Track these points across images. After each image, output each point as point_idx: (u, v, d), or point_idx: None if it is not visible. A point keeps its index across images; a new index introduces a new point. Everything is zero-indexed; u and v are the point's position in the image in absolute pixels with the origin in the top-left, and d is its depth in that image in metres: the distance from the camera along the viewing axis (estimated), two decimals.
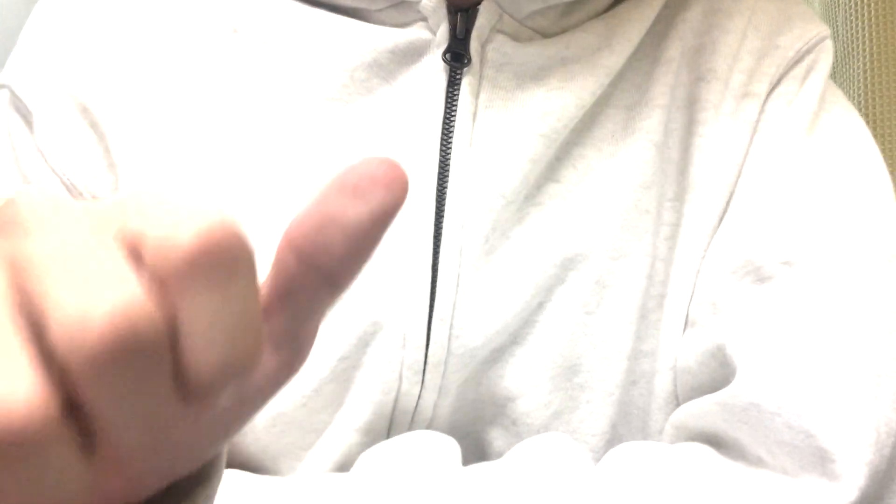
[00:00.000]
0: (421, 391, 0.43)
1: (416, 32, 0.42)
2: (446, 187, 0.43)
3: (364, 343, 0.43)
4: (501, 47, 0.43)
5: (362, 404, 0.43)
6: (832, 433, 0.36)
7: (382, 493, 0.38)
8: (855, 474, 0.36)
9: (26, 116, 0.44)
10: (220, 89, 0.43)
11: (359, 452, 0.44)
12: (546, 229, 0.44)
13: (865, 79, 0.76)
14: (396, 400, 0.44)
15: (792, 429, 0.37)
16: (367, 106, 0.43)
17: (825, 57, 0.47)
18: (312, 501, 0.38)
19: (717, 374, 0.42)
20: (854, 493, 0.36)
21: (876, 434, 0.37)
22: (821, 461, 0.36)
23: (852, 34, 0.76)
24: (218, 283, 0.17)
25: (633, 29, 0.44)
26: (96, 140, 0.43)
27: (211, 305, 0.17)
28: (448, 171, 0.43)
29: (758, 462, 0.39)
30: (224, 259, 0.17)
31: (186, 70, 0.43)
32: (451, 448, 0.42)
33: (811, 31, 0.47)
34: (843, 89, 0.61)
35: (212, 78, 0.43)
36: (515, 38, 0.43)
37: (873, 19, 0.74)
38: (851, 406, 0.37)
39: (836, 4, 0.78)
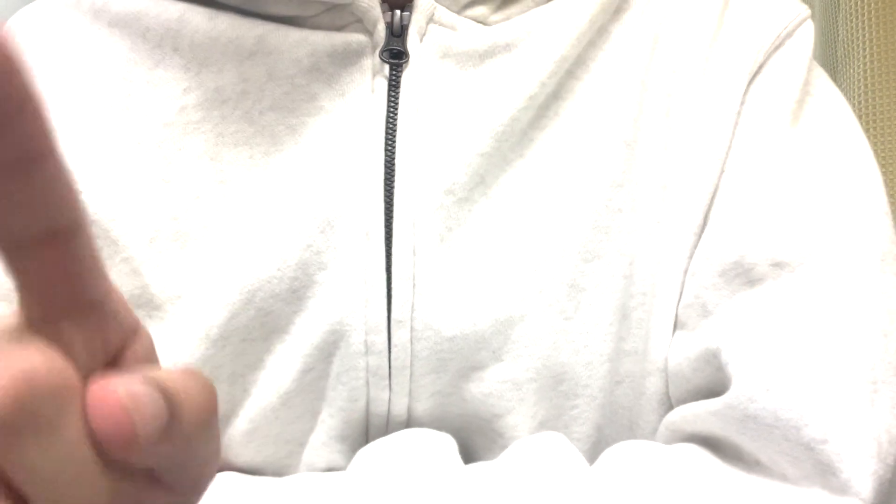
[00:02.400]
0: (390, 396, 0.43)
1: (353, 35, 0.42)
2: (393, 187, 0.42)
3: (327, 353, 0.42)
4: (440, 39, 0.42)
5: (334, 412, 0.43)
6: (832, 446, 0.36)
7: (380, 492, 0.37)
8: (860, 486, 0.35)
9: None
10: (168, 107, 0.43)
11: (341, 459, 0.44)
12: (509, 228, 0.42)
13: (865, 79, 0.75)
14: (367, 405, 0.43)
15: (790, 441, 0.37)
16: (310, 111, 0.42)
17: (806, 39, 0.45)
18: (310, 501, 0.38)
19: (713, 378, 0.42)
20: None
21: (877, 444, 0.36)
22: (822, 473, 0.36)
23: (852, 34, 0.75)
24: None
25: (582, 15, 0.43)
26: None
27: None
28: (395, 170, 0.42)
29: (756, 466, 0.39)
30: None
31: (134, 96, 0.43)
32: (449, 445, 0.42)
33: (791, 14, 0.46)
34: (842, 89, 0.60)
35: (159, 97, 0.43)
36: (453, 29, 0.43)
37: (873, 19, 0.74)
38: (850, 416, 0.36)
39: (836, 4, 0.77)
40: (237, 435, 0.43)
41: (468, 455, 0.45)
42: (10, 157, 0.17)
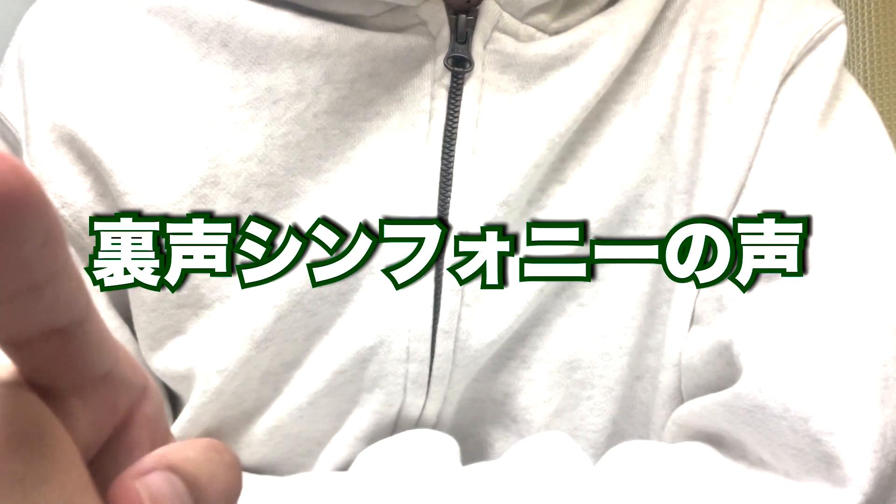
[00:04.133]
0: (426, 402, 0.43)
1: (416, 38, 0.41)
2: (449, 197, 0.42)
3: (364, 357, 0.42)
4: (504, 48, 0.42)
5: (364, 415, 0.43)
6: (838, 438, 0.36)
7: (381, 492, 0.37)
8: (860, 480, 0.35)
9: (14, 145, 0.43)
10: (214, 105, 0.42)
11: None
12: None
13: (865, 79, 0.75)
14: (400, 411, 0.43)
15: (797, 433, 0.37)
16: (366, 116, 0.42)
17: (839, 44, 0.46)
18: (312, 501, 0.38)
19: (723, 373, 0.42)
20: (859, 499, 0.35)
21: (882, 439, 0.36)
22: (826, 466, 0.36)
23: (852, 34, 0.76)
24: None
25: (638, 24, 0.43)
26: (85, 170, 0.42)
27: None
28: (451, 180, 0.42)
29: (760, 463, 0.39)
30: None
31: (177, 89, 0.42)
32: (450, 446, 0.42)
33: (825, 17, 0.46)
34: None
35: (204, 93, 0.42)
36: (517, 37, 0.42)
37: (873, 19, 0.74)
38: (858, 411, 0.37)
39: (836, 4, 0.77)
40: (259, 433, 0.43)
41: (484, 450, 0.45)
42: (26, 284, 0.14)
